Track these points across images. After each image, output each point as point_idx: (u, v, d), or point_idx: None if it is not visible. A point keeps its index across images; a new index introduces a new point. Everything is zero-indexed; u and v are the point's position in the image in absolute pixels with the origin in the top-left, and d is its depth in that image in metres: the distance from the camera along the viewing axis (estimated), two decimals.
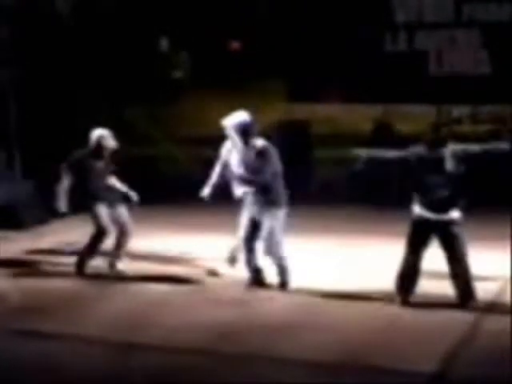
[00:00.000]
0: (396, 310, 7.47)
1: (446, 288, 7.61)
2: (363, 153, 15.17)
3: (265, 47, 16.83)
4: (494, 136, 15.66)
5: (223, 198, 8.42)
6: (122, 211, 9.07)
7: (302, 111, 16.21)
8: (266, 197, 7.95)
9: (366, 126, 15.94)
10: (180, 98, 15.88)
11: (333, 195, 13.34)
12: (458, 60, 17.92)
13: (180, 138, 14.48)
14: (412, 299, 7.61)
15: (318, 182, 14.73)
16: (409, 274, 7.59)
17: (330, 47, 17.08)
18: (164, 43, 17.51)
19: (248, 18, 17.04)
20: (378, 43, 17.66)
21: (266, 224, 7.99)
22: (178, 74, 17.49)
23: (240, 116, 8.06)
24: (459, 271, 7.48)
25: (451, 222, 7.42)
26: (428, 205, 7.40)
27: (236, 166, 8.03)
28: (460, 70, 17.71)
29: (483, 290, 7.74)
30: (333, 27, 17.21)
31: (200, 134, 14.06)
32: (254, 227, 8.12)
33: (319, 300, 7.79)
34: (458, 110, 17.81)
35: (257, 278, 8.25)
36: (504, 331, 6.52)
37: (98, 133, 9.13)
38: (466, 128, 16.50)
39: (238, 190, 8.01)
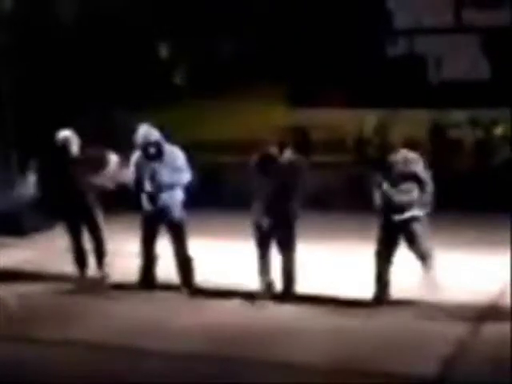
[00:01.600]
0: (391, 314, 7.47)
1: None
2: None
3: (264, 51, 16.82)
4: None
5: None
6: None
7: (302, 116, 16.21)
8: (279, 210, 7.86)
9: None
10: (180, 104, 15.88)
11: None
12: (458, 65, 17.97)
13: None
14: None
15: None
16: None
17: (330, 52, 17.13)
18: (163, 49, 17.53)
19: (246, 21, 17.02)
20: (377, 48, 17.72)
21: (282, 237, 7.97)
22: (177, 79, 17.48)
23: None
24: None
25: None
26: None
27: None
28: (459, 76, 17.76)
29: (483, 293, 7.78)
30: (331, 32, 17.26)
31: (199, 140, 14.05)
32: (268, 238, 8.08)
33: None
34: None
35: (268, 291, 8.18)
36: (505, 335, 6.52)
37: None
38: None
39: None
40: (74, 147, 8.71)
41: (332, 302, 7.88)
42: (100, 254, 8.91)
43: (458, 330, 6.94)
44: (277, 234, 8.00)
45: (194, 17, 16.47)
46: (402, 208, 7.51)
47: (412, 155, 7.66)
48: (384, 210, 7.64)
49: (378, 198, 7.67)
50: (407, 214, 7.49)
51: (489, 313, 7.42)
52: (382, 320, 7.32)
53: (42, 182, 8.78)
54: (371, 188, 7.75)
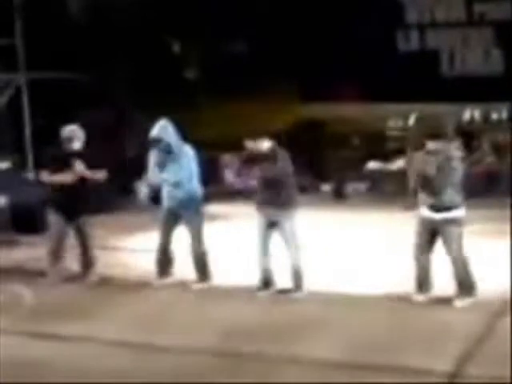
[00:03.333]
0: (408, 309, 7.49)
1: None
2: None
3: (276, 48, 16.83)
4: None
5: None
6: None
7: (316, 111, 16.26)
8: (279, 198, 7.98)
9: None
10: (195, 103, 15.90)
11: None
12: (471, 59, 17.94)
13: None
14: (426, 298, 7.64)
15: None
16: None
17: (342, 47, 17.15)
18: (176, 46, 17.57)
19: (256, 18, 17.04)
20: (390, 43, 17.72)
21: (287, 227, 8.05)
22: (190, 74, 17.51)
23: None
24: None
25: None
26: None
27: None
28: (472, 69, 17.73)
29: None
30: (343, 27, 17.28)
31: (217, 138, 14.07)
32: (269, 229, 8.18)
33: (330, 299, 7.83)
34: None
35: (267, 282, 8.23)
36: None
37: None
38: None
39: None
40: (77, 142, 8.76)
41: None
42: (87, 260, 8.97)
43: (472, 324, 6.95)
44: (278, 224, 8.06)
45: (204, 16, 16.52)
46: None
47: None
48: None
49: None
50: None
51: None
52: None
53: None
54: None
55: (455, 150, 7.80)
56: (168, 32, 16.81)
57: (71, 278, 8.94)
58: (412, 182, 8.12)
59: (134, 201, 8.60)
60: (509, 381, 5.54)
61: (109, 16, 15.22)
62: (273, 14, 17.20)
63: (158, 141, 8.38)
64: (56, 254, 8.91)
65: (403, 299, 7.72)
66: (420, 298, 7.74)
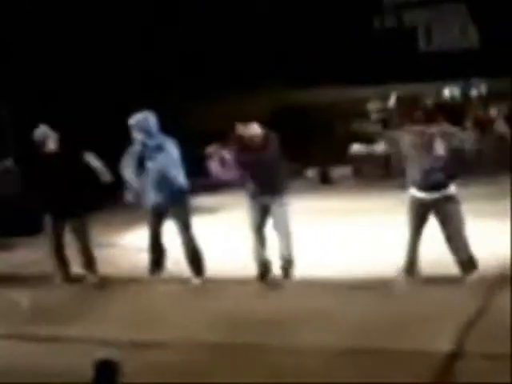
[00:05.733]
0: (404, 290, 7.48)
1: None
2: None
3: (253, 36, 16.77)
4: None
5: None
6: None
7: (297, 97, 16.22)
8: (272, 185, 7.95)
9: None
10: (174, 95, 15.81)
11: None
12: (447, 36, 17.98)
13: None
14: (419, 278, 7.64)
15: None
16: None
17: (320, 31, 17.12)
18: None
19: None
20: (366, 23, 17.72)
21: (281, 214, 8.04)
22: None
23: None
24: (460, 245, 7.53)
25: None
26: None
27: None
28: (449, 46, 17.77)
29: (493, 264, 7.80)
30: (320, 10, 17.24)
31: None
32: (263, 217, 8.18)
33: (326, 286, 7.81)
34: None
35: (264, 271, 8.19)
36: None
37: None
38: None
39: None
40: (51, 143, 8.59)
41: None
42: (87, 258, 8.86)
43: (469, 302, 6.96)
44: (271, 211, 8.03)
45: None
46: None
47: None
48: None
49: None
50: None
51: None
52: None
53: (26, 180, 8.72)
54: None
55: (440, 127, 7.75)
56: None
57: (72, 279, 8.85)
58: (397, 162, 8.08)
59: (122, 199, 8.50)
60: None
61: None
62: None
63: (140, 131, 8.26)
64: (56, 255, 8.84)
65: (393, 282, 7.70)
66: (408, 280, 7.72)
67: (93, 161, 8.68)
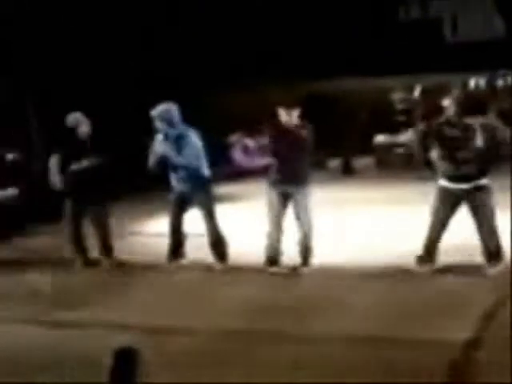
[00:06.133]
0: (425, 278, 7.50)
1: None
2: None
3: (280, 28, 16.73)
4: None
5: None
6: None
7: (322, 87, 16.18)
8: (296, 175, 8.02)
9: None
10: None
11: None
12: (473, 25, 17.84)
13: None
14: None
15: None
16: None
17: (346, 21, 17.06)
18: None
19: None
20: (392, 13, 17.64)
21: (304, 203, 8.11)
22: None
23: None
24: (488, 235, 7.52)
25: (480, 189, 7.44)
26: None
27: None
28: (475, 36, 17.63)
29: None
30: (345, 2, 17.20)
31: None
32: (283, 205, 8.23)
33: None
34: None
35: (273, 258, 8.23)
36: None
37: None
38: None
39: None
40: (84, 128, 8.76)
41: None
42: (106, 245, 8.97)
43: (490, 290, 6.96)
44: (293, 199, 8.06)
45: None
46: None
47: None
48: None
49: None
50: None
51: None
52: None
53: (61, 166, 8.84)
54: None
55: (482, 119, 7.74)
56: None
57: (91, 265, 8.96)
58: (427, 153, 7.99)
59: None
60: None
61: None
62: None
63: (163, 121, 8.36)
64: (76, 241, 8.97)
65: (413, 271, 7.72)
66: (425, 268, 7.75)
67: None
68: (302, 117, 8.18)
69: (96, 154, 8.80)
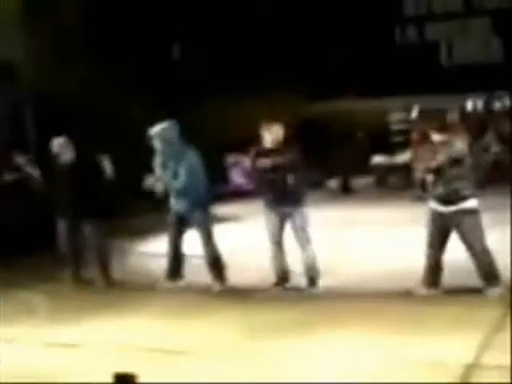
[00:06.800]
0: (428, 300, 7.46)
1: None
2: None
3: (277, 49, 16.79)
4: None
5: None
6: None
7: (320, 109, 16.22)
8: (291, 195, 7.99)
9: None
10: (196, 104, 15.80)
11: None
12: (470, 49, 17.92)
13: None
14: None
15: None
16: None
17: (342, 43, 17.14)
18: (176, 50, 17.50)
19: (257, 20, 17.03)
20: (388, 36, 17.72)
21: (303, 224, 8.10)
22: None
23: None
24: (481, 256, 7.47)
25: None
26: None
27: None
28: (472, 59, 17.71)
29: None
30: (343, 23, 17.27)
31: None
32: (281, 226, 8.21)
33: None
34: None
35: (283, 279, 8.19)
36: None
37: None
38: None
39: None
40: (68, 154, 8.87)
41: None
42: (104, 263, 8.99)
43: (489, 311, 6.91)
44: (289, 218, 8.04)
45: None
46: None
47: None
48: None
49: None
50: None
51: None
52: None
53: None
54: None
55: (462, 140, 7.70)
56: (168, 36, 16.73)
57: (87, 283, 8.95)
58: (419, 173, 8.02)
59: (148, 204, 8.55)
60: None
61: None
62: (271, 13, 17.20)
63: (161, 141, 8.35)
64: (71, 260, 8.97)
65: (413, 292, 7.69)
66: (423, 291, 7.68)
67: (106, 165, 8.85)
68: (293, 138, 8.20)
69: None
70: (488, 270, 7.52)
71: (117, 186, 8.95)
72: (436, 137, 7.54)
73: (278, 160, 8.02)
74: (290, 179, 8.03)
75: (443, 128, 7.61)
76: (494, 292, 7.45)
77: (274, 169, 8.05)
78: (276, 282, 8.25)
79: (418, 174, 8.06)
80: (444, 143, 7.46)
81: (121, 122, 14.41)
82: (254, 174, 8.24)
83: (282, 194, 8.06)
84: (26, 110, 13.45)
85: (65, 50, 13.96)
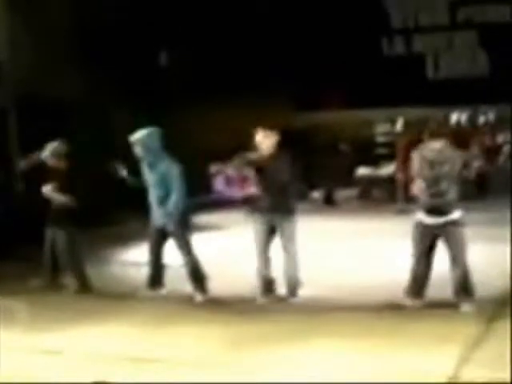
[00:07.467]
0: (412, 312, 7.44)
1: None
2: None
3: (262, 59, 16.80)
4: None
5: None
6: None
7: (304, 120, 16.23)
8: (282, 204, 8.00)
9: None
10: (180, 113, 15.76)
11: None
12: (456, 62, 18.01)
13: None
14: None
15: None
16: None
17: (328, 54, 17.19)
18: (163, 57, 17.44)
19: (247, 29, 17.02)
20: (375, 48, 17.79)
21: (291, 233, 8.07)
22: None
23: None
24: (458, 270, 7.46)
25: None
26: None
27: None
28: (458, 73, 17.80)
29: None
30: (329, 35, 17.32)
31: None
32: (269, 235, 8.14)
33: None
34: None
35: (267, 289, 8.14)
36: None
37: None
38: None
39: None
40: (56, 158, 8.75)
41: None
42: (78, 271, 8.93)
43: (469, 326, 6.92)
44: (279, 230, 7.99)
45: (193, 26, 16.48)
46: None
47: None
48: None
49: None
50: None
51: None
52: None
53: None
54: None
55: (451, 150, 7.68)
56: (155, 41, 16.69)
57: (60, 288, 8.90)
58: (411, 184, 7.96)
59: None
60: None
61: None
62: (259, 24, 17.21)
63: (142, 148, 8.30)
64: (48, 264, 8.93)
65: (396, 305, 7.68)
66: (409, 302, 7.66)
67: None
68: (282, 147, 8.18)
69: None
70: (463, 285, 7.52)
71: (99, 193, 8.90)
72: (429, 146, 7.54)
73: (270, 168, 7.97)
74: (282, 188, 8.00)
75: (437, 136, 7.59)
76: (467, 307, 7.46)
77: (265, 177, 8.02)
78: (261, 292, 8.20)
79: (412, 186, 7.90)
80: (438, 152, 7.47)
81: (106, 126, 14.39)
82: (241, 182, 8.17)
83: (276, 204, 7.98)
84: (10, 112, 13.37)
85: (52, 53, 13.91)
